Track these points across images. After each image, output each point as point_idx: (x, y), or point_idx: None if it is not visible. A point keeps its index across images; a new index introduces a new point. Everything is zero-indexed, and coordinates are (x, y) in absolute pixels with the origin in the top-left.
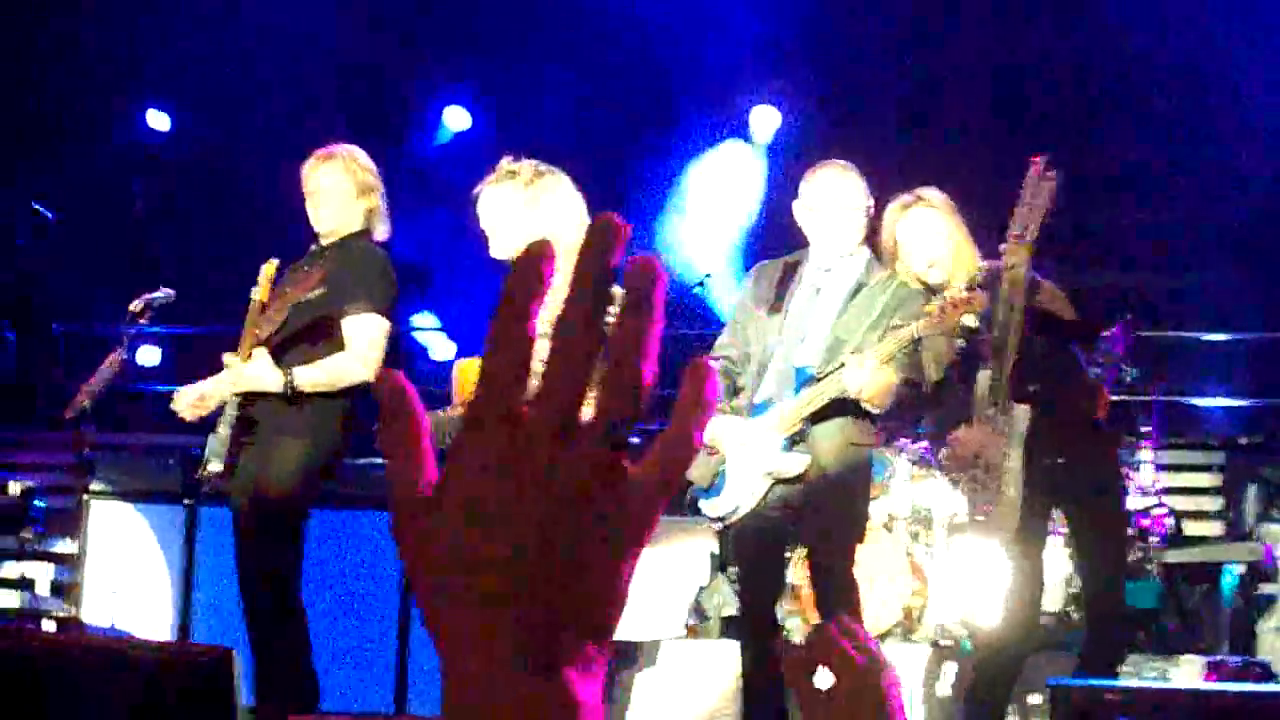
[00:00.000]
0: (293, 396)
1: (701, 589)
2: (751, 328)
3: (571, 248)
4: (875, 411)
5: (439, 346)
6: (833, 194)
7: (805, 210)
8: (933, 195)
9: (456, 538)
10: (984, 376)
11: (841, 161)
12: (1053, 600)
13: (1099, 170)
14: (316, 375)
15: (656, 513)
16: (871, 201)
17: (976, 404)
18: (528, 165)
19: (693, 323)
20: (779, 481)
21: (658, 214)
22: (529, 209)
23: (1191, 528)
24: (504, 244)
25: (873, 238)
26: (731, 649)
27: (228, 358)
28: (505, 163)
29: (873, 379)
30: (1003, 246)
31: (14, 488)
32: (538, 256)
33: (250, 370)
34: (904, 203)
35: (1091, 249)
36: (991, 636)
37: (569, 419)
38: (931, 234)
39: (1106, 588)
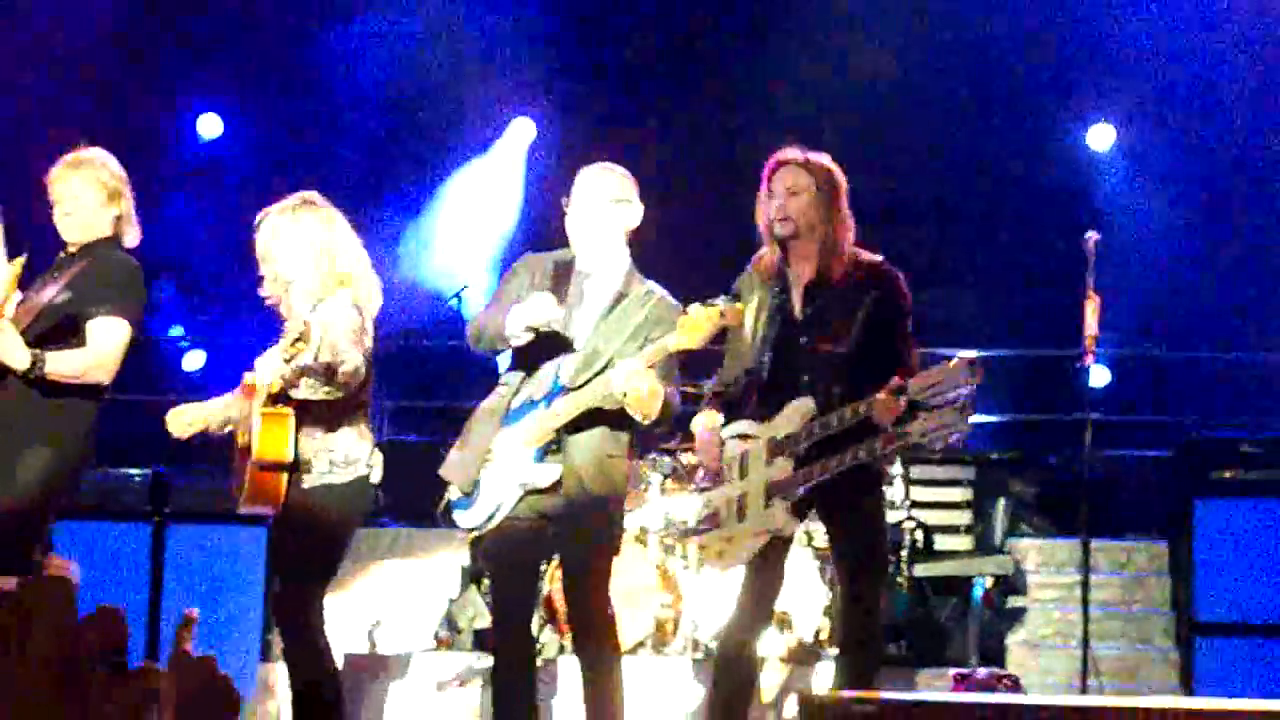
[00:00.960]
0: (38, 385)
1: (452, 601)
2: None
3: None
4: (641, 420)
5: (189, 357)
6: (590, 190)
7: (568, 208)
8: (815, 157)
9: None
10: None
11: (609, 163)
12: (810, 612)
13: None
14: (64, 364)
15: None
16: (636, 204)
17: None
18: (315, 196)
19: (443, 336)
20: (531, 492)
21: (415, 226)
22: (324, 235)
23: (941, 541)
24: (291, 269)
25: (635, 247)
26: (482, 661)
27: None
28: (297, 196)
29: (641, 384)
30: None
31: None
32: None
33: (3, 336)
34: (784, 158)
35: None
36: (724, 646)
37: None
38: (788, 192)
39: (863, 600)
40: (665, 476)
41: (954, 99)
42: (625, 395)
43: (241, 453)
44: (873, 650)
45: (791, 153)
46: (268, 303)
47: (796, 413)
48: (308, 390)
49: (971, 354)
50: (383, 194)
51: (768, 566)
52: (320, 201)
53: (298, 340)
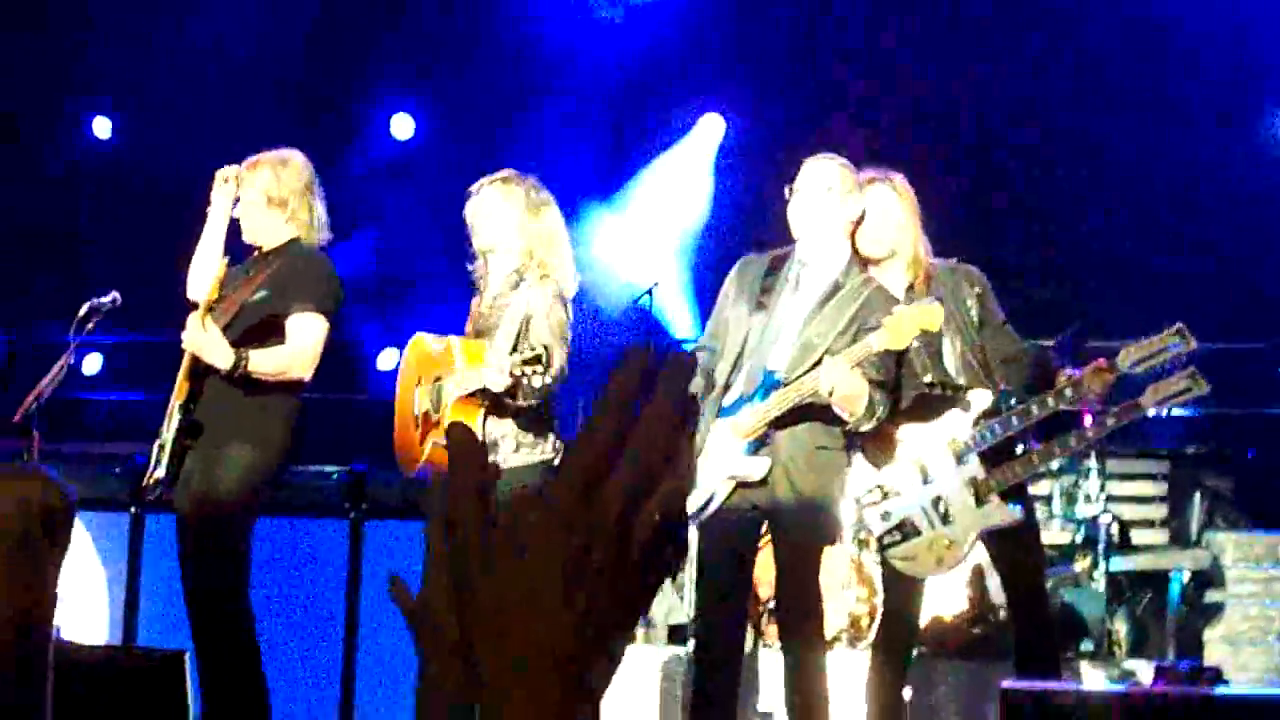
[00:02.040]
0: (240, 384)
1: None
2: (732, 322)
3: (552, 261)
4: (847, 418)
5: (385, 357)
6: (813, 180)
7: (790, 198)
8: (897, 179)
9: (524, 586)
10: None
11: (833, 154)
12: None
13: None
14: (266, 361)
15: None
16: (856, 194)
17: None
18: (530, 179)
19: (639, 333)
20: (742, 485)
21: (604, 223)
22: (530, 215)
23: (1137, 536)
24: (493, 239)
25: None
26: (677, 655)
27: (192, 318)
28: (511, 170)
29: (846, 380)
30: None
31: None
32: (635, 369)
33: (208, 335)
34: (869, 178)
35: (1042, 260)
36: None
37: (640, 499)
38: (883, 213)
39: (1031, 593)
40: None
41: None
42: (830, 393)
43: (417, 419)
44: (1049, 642)
45: (875, 171)
46: (474, 276)
47: (977, 406)
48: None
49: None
50: (573, 191)
51: (913, 583)
52: (534, 182)
53: (534, 360)
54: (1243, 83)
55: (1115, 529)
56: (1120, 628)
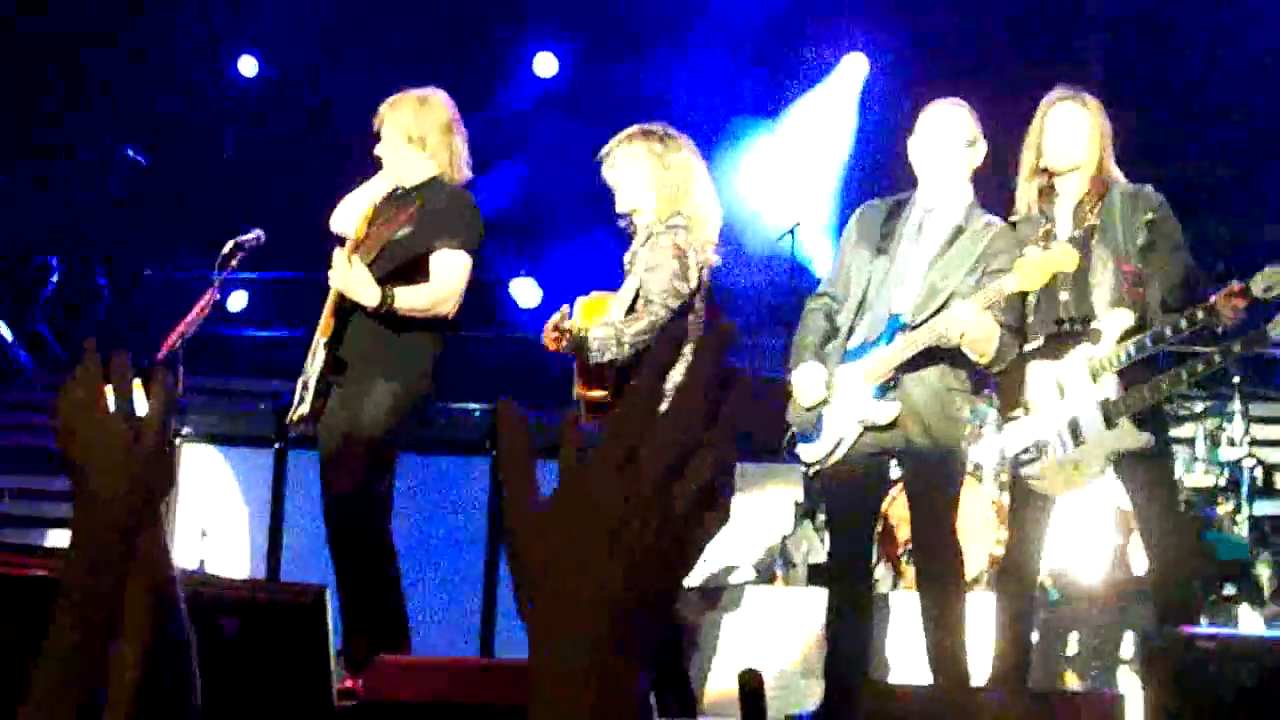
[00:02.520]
0: (384, 320)
1: (786, 537)
2: (854, 268)
3: (692, 209)
4: (977, 359)
5: (526, 294)
6: (937, 123)
7: (913, 142)
8: (1088, 97)
9: (572, 546)
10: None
11: (957, 100)
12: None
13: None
14: (412, 299)
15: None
16: (981, 141)
17: None
18: (657, 128)
19: (780, 273)
20: (870, 429)
21: (745, 163)
22: (660, 168)
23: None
24: (630, 201)
25: (978, 181)
26: (816, 596)
27: (337, 254)
28: (636, 126)
29: (977, 323)
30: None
31: None
32: (720, 346)
33: (355, 272)
34: (1059, 95)
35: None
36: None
37: (678, 465)
38: (1071, 127)
39: (1163, 525)
40: (1000, 413)
41: None
42: (962, 336)
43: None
44: (1184, 578)
45: (1067, 90)
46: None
47: (1116, 325)
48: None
49: None
50: (716, 131)
51: (1042, 503)
52: (661, 132)
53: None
54: None
55: (1259, 473)
56: (1263, 572)
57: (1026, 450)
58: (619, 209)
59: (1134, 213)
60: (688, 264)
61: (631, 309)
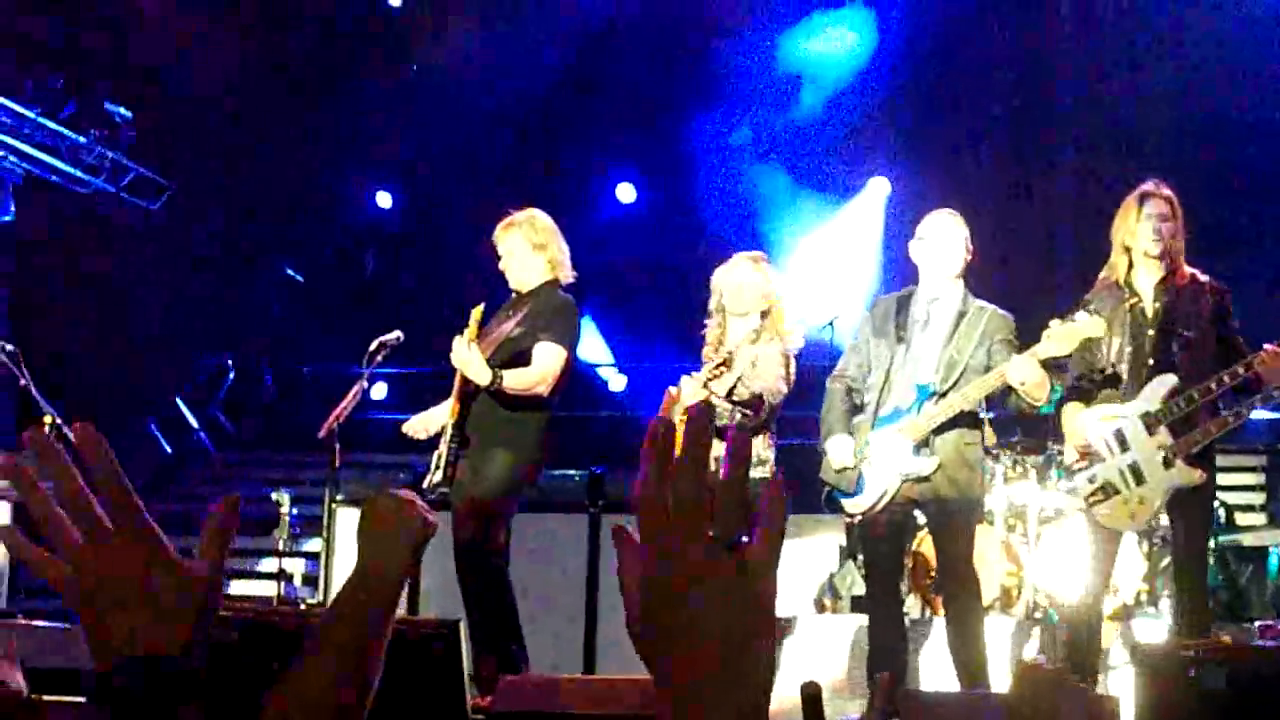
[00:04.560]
0: (498, 399)
1: (833, 574)
2: (872, 353)
3: (782, 323)
4: (1033, 404)
5: (614, 380)
6: (940, 230)
7: (918, 243)
8: (1170, 194)
9: (667, 601)
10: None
11: (951, 213)
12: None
13: None
14: (517, 379)
15: (772, 580)
16: (970, 244)
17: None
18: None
19: (820, 358)
20: (908, 480)
21: (792, 266)
22: (768, 285)
23: (1241, 518)
24: (744, 305)
25: (968, 274)
26: (859, 622)
27: (458, 341)
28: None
29: (1035, 373)
30: None
31: (276, 497)
32: (703, 420)
33: (471, 354)
34: (1145, 191)
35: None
36: (1077, 610)
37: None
38: (1163, 220)
39: (1197, 549)
40: (1008, 467)
41: None
42: (1023, 384)
43: None
44: (1202, 597)
45: (1158, 187)
46: (707, 338)
47: (1163, 387)
48: (726, 416)
49: None
50: (765, 245)
51: (1113, 538)
52: (767, 261)
53: (720, 366)
54: None
55: (1222, 512)
56: (1222, 596)
57: (1095, 493)
58: (730, 308)
59: (1197, 298)
60: (791, 364)
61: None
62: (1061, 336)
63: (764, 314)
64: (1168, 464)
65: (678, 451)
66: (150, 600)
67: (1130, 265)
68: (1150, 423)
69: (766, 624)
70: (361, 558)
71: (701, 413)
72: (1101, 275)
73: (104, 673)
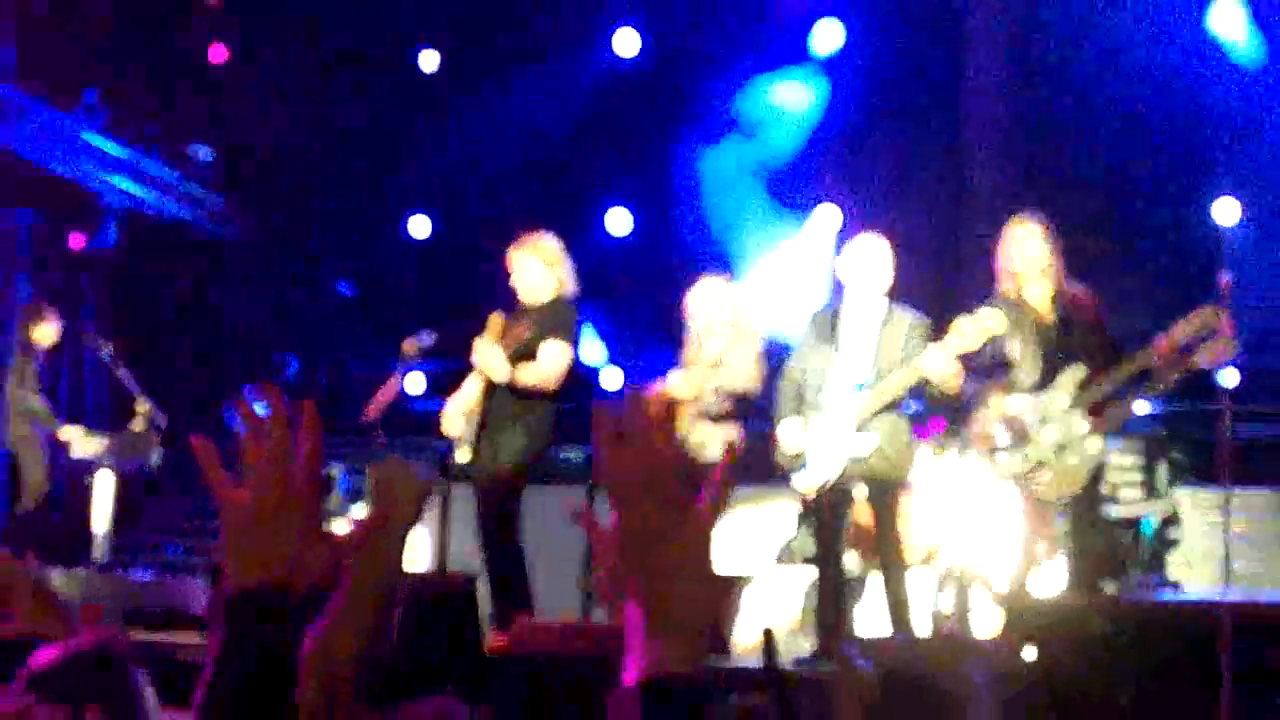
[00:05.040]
0: (513, 391)
1: (790, 539)
2: (814, 357)
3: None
4: (947, 392)
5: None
6: (868, 255)
7: (846, 269)
8: (1040, 218)
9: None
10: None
11: (876, 235)
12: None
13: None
14: (529, 374)
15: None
16: (891, 262)
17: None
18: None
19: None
20: (851, 460)
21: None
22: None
23: (1122, 493)
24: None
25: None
26: (810, 576)
27: (479, 341)
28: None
29: (947, 364)
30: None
31: (328, 471)
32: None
33: (491, 354)
34: (1021, 219)
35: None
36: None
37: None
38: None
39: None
40: (932, 447)
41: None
42: (936, 373)
43: None
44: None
45: (1031, 217)
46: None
47: (1075, 376)
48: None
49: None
50: (737, 262)
51: (1044, 509)
52: (732, 280)
53: (714, 366)
54: None
55: (1106, 488)
56: (1113, 555)
57: (1030, 471)
58: (711, 329)
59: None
60: (763, 368)
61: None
62: (968, 331)
63: (734, 326)
64: (1089, 441)
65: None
66: (294, 544)
67: (1018, 287)
68: (1070, 406)
69: (705, 563)
70: (376, 507)
71: (666, 405)
72: (997, 293)
73: (237, 592)
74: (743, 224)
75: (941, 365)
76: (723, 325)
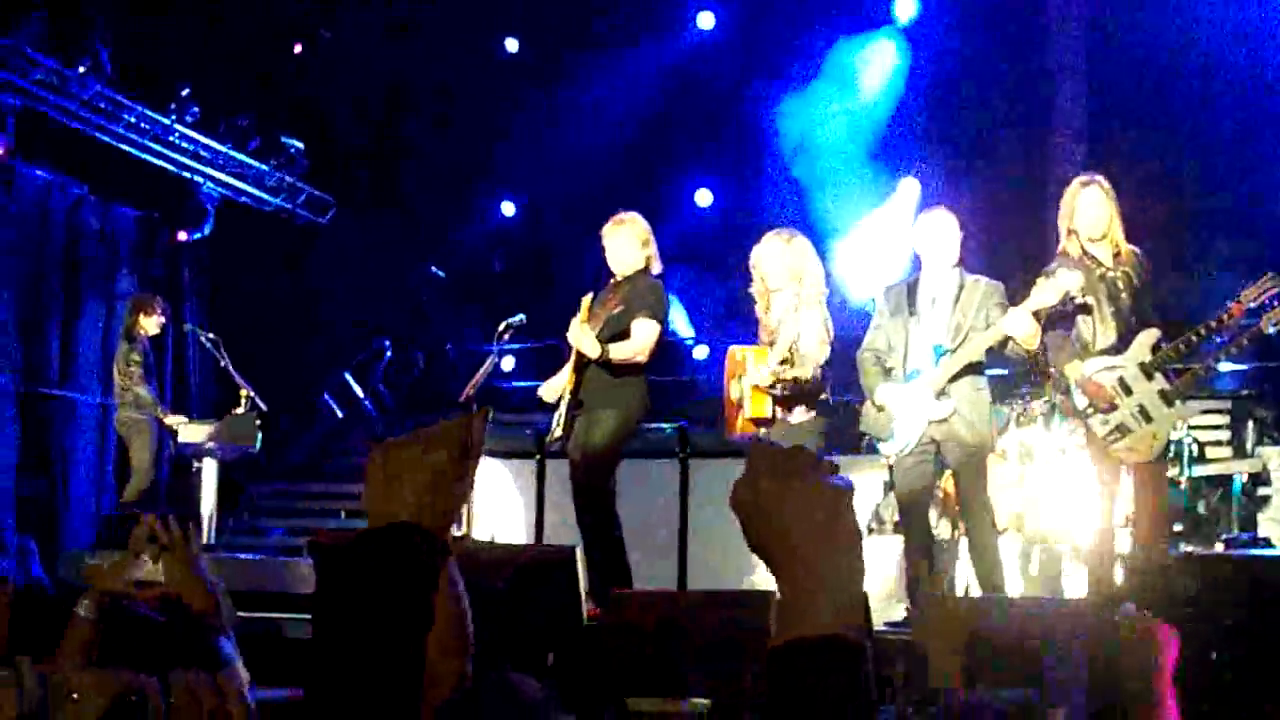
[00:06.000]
0: (606, 368)
1: (878, 504)
2: (892, 329)
3: (811, 290)
4: (1026, 350)
5: (698, 350)
6: (938, 226)
7: (920, 241)
8: (1103, 180)
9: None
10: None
11: (945, 209)
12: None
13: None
14: (621, 351)
15: (849, 505)
16: (957, 236)
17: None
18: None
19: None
20: (932, 423)
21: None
22: (798, 259)
23: (1210, 451)
24: (778, 281)
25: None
26: (899, 542)
27: (573, 322)
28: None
29: (1027, 323)
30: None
31: None
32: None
33: (583, 334)
34: (1085, 179)
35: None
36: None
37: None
38: (1101, 206)
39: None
40: (1019, 414)
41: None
42: (1018, 333)
43: (733, 402)
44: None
45: (1094, 177)
46: (756, 307)
47: (1149, 339)
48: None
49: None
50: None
51: (1117, 473)
52: (797, 234)
53: (784, 362)
54: None
55: (1194, 447)
56: (1202, 513)
57: (1111, 433)
58: (760, 285)
59: (1140, 267)
60: (829, 329)
61: (784, 360)
62: (1047, 288)
63: (799, 282)
64: (1169, 402)
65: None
66: (431, 493)
67: (1081, 246)
68: (1146, 370)
69: (849, 536)
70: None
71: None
72: (1059, 251)
73: (372, 531)
74: (829, 193)
75: (1024, 325)
76: (785, 287)
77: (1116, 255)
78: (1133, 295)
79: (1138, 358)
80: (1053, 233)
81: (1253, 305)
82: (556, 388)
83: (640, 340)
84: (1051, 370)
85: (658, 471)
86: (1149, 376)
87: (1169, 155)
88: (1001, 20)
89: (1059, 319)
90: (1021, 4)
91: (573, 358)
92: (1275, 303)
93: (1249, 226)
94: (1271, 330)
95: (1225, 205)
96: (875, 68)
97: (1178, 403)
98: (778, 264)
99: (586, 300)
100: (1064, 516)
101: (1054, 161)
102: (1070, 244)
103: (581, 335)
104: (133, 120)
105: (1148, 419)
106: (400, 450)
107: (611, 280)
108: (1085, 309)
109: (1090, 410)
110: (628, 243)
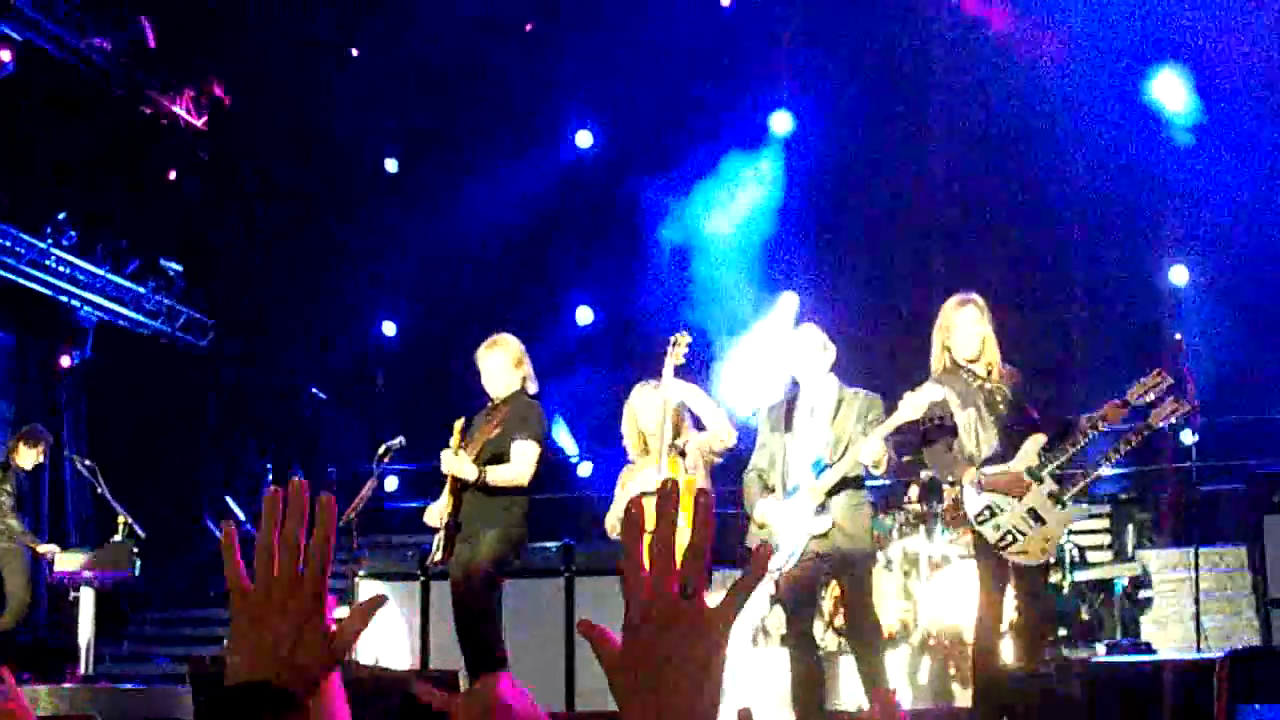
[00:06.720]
0: (486, 491)
1: (763, 616)
2: (772, 445)
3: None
4: (878, 473)
5: (581, 467)
6: (808, 344)
7: (790, 358)
8: (978, 298)
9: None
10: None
11: (811, 325)
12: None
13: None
14: (500, 474)
15: (729, 627)
16: (832, 346)
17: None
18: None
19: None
20: (812, 537)
21: (723, 368)
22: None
23: (1091, 555)
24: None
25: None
26: (784, 655)
27: (445, 453)
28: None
29: (877, 450)
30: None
31: None
32: (671, 503)
33: (458, 461)
34: (960, 300)
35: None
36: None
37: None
38: (973, 324)
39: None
40: (901, 524)
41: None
42: (871, 461)
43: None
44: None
45: (971, 296)
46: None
47: (1036, 445)
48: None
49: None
50: (698, 348)
51: (1004, 575)
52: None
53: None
54: None
55: (1075, 551)
56: (1084, 618)
57: (1003, 538)
58: (637, 429)
59: (1013, 382)
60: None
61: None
62: (908, 404)
63: (675, 427)
64: (1060, 504)
65: (649, 525)
66: (294, 641)
67: (956, 363)
68: (1035, 474)
69: (718, 659)
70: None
71: (669, 493)
72: (934, 369)
73: (232, 688)
74: (711, 308)
75: (874, 452)
76: (659, 430)
77: (989, 374)
78: (1010, 408)
79: (1025, 462)
80: (925, 347)
81: (1138, 403)
82: (439, 511)
83: (520, 464)
84: (948, 482)
85: (543, 590)
86: (1038, 480)
87: (1047, 261)
88: (875, 129)
89: (938, 434)
90: (895, 113)
91: (449, 481)
92: (1166, 398)
93: (1130, 326)
94: (1161, 425)
95: (1100, 313)
96: (753, 182)
97: (1069, 504)
98: (653, 413)
99: (458, 425)
100: (951, 623)
101: (933, 267)
102: (945, 360)
103: (456, 463)
104: (7, 244)
105: (1040, 521)
106: (262, 596)
107: (489, 403)
108: (961, 422)
109: (983, 517)
110: (501, 365)
